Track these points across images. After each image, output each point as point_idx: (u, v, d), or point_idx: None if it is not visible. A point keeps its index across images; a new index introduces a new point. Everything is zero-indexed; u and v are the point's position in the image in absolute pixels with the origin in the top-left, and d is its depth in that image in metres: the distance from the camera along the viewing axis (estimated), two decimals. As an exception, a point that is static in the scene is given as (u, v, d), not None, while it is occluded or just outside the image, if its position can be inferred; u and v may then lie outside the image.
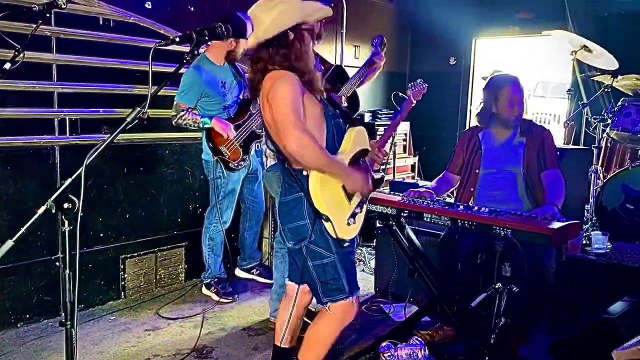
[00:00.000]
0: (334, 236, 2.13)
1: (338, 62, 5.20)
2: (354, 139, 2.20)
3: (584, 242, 3.47)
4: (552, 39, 4.42)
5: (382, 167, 4.30)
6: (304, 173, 2.10)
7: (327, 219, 2.10)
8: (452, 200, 3.30)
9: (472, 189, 3.10)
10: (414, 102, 3.21)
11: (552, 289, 2.86)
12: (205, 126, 3.34)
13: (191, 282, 4.00)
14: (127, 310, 3.51)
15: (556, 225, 2.40)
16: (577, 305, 3.09)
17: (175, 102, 3.33)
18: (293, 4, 2.08)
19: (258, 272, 4.02)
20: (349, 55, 5.54)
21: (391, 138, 4.54)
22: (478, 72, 6.24)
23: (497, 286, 2.66)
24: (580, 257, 3.31)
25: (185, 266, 4.01)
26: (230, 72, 3.56)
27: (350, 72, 3.46)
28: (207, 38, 1.72)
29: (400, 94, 3.39)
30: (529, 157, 2.96)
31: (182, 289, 3.89)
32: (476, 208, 2.64)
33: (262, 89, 2.12)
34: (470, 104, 6.21)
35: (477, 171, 3.08)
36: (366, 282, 4.02)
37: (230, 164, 3.44)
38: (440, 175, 3.25)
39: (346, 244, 2.19)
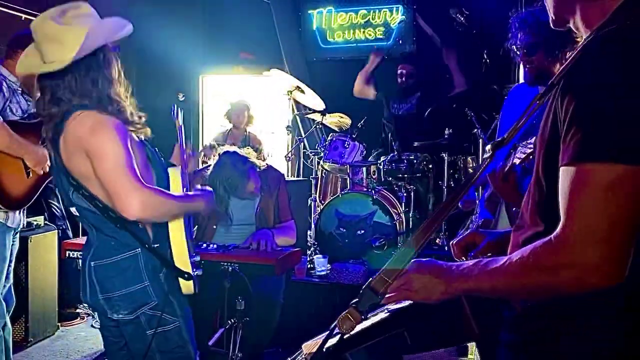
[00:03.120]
0: (191, 292, 1.84)
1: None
2: (179, 179, 1.95)
3: (309, 266, 3.76)
4: (275, 79, 4.78)
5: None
6: (140, 225, 1.78)
7: (190, 277, 1.81)
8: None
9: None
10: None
11: (284, 315, 3.00)
12: None
13: None
14: None
15: (278, 255, 2.53)
16: (306, 326, 3.30)
17: None
18: (98, 18, 1.74)
19: None
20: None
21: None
22: (207, 108, 6.37)
23: (231, 321, 2.68)
24: (306, 280, 3.58)
25: None
26: None
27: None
28: None
29: None
30: (261, 212, 2.95)
31: None
32: (204, 245, 2.61)
33: (69, 133, 1.70)
34: (203, 140, 6.27)
35: (214, 226, 2.96)
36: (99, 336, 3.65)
37: None
38: None
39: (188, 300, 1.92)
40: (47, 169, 2.60)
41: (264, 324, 2.82)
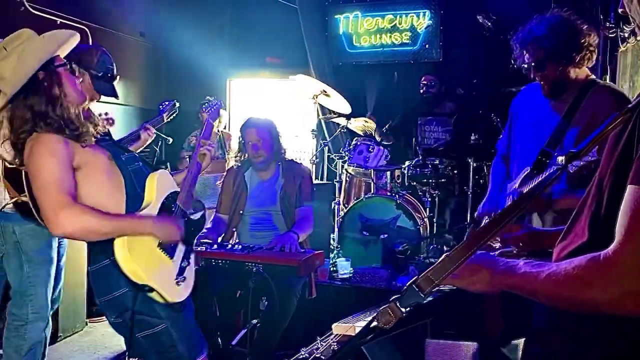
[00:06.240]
0: (165, 301, 1.86)
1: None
2: (158, 185, 1.92)
3: (332, 269, 3.77)
4: (300, 84, 4.81)
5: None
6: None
7: (151, 289, 1.80)
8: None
9: (234, 229, 3.10)
10: (213, 123, 2.96)
11: (306, 316, 3.02)
12: None
13: None
14: None
15: (302, 257, 2.56)
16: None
17: None
18: (32, 40, 1.78)
19: None
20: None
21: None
22: (234, 111, 6.46)
23: (254, 322, 2.71)
24: (328, 283, 3.60)
25: None
26: None
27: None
28: None
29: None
30: (285, 195, 3.07)
31: None
32: (230, 246, 2.66)
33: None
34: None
35: (241, 212, 3.09)
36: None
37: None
38: (212, 218, 3.20)
39: (178, 306, 1.92)
40: None
41: (287, 325, 2.83)
